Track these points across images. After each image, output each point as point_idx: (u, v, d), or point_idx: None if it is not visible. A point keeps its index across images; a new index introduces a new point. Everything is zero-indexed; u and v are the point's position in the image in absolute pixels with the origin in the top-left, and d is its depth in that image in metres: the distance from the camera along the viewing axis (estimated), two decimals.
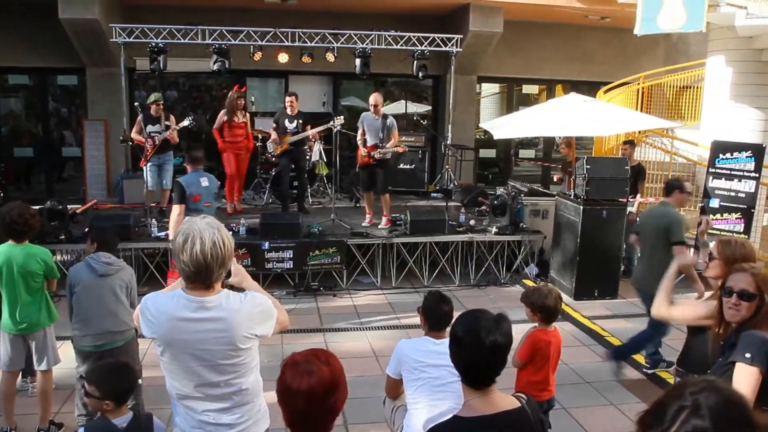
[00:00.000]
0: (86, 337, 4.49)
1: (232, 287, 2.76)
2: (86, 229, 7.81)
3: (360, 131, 9.05)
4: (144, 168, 9.30)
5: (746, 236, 8.29)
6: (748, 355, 2.67)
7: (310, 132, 9.63)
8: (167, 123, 9.34)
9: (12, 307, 4.64)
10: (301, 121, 9.61)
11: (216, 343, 2.52)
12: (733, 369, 2.71)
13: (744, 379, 2.64)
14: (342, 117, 9.67)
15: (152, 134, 9.19)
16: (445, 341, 3.28)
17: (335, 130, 9.27)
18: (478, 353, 2.13)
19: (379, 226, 9.18)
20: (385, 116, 8.90)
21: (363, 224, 9.31)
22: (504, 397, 2.21)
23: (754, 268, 2.89)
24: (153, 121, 9.27)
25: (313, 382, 1.98)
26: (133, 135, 9.39)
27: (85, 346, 4.50)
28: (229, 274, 2.69)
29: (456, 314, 2.56)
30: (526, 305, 4.15)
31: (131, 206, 9.85)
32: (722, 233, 8.21)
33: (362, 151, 8.98)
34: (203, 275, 2.49)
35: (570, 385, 5.88)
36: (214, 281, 2.55)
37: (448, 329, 2.38)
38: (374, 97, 8.90)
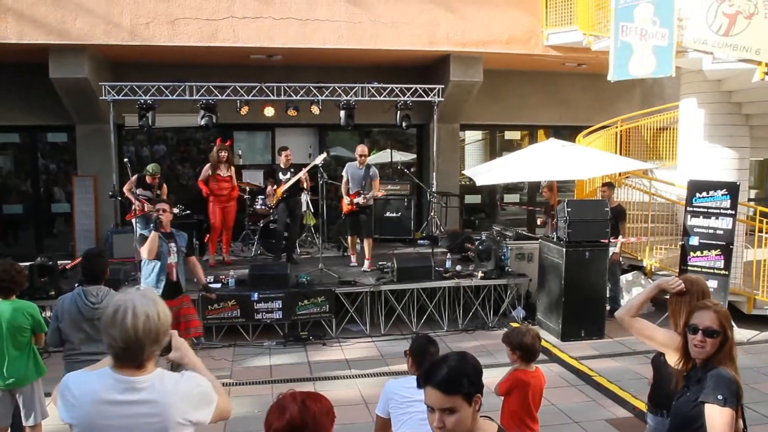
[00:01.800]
0: (77, 364, 4.49)
1: (173, 365, 2.60)
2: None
3: (345, 180, 9.65)
4: (132, 221, 9.44)
5: (726, 272, 8.47)
6: (720, 397, 2.77)
7: (300, 174, 9.85)
8: (158, 192, 9.56)
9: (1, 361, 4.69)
10: (293, 171, 9.91)
11: (146, 429, 2.28)
12: (703, 408, 2.82)
13: (721, 419, 2.75)
14: (324, 154, 10.03)
15: (142, 197, 9.39)
16: None
17: (320, 163, 9.56)
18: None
19: (363, 269, 9.60)
20: (368, 166, 9.63)
21: (350, 264, 9.91)
22: (488, 423, 2.30)
23: (717, 305, 3.02)
24: (146, 186, 9.53)
25: (281, 423, 2.01)
26: (125, 191, 9.57)
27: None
28: (168, 349, 2.47)
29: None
30: (506, 345, 4.25)
31: (121, 260, 9.91)
32: (703, 270, 8.39)
33: (345, 199, 9.60)
34: (133, 352, 2.26)
35: (558, 426, 5.93)
36: (146, 359, 2.31)
37: None
38: (361, 148, 9.71)
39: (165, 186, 9.83)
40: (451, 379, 2.13)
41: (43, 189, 13.08)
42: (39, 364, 4.92)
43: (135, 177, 9.46)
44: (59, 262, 8.79)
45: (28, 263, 8.21)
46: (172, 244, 6.64)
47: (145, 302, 2.29)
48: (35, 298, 7.46)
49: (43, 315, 5.59)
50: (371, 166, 9.76)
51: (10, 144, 12.97)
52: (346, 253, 10.74)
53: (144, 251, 6.49)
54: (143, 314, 2.25)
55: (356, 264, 9.96)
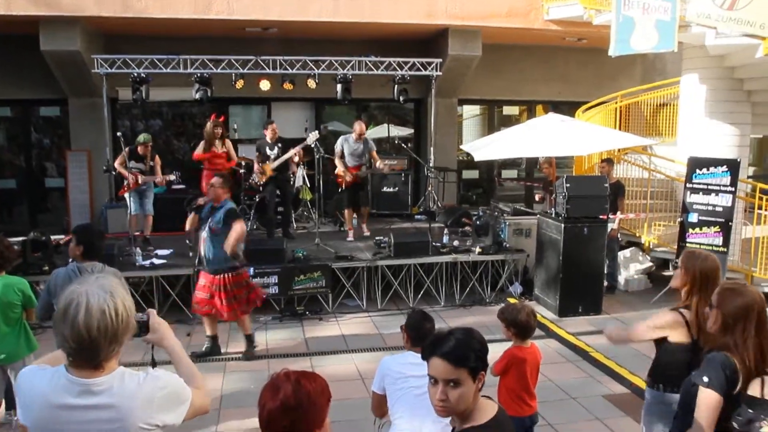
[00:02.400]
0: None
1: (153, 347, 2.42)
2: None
3: (339, 152, 9.72)
4: (125, 196, 9.33)
5: (725, 249, 8.43)
6: (705, 379, 2.77)
7: (291, 152, 9.73)
8: (152, 164, 9.41)
9: None
10: (280, 146, 9.75)
11: None
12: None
13: (702, 401, 2.75)
14: (317, 132, 9.93)
15: (134, 170, 9.24)
16: None
17: (312, 144, 9.48)
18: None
19: (364, 234, 9.88)
20: (365, 140, 9.75)
21: (348, 239, 9.88)
22: (489, 403, 2.26)
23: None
24: (138, 158, 9.35)
25: (274, 403, 1.94)
26: (117, 166, 9.39)
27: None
28: (145, 330, 2.28)
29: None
30: (501, 321, 4.22)
31: (115, 236, 9.83)
32: (701, 247, 8.34)
33: (344, 172, 9.69)
34: (87, 353, 2.01)
35: (555, 402, 5.92)
36: (104, 360, 2.05)
37: None
38: (360, 126, 9.83)
39: (158, 157, 9.67)
40: (459, 351, 2.10)
41: (36, 164, 12.96)
42: (30, 340, 4.86)
43: (127, 149, 9.29)
44: (53, 237, 8.70)
45: (21, 238, 8.15)
46: (208, 222, 6.71)
47: (102, 295, 2.01)
48: (29, 274, 7.43)
49: (39, 290, 5.54)
50: (368, 139, 9.92)
51: (2, 118, 12.83)
52: (342, 228, 10.70)
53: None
54: (98, 311, 1.98)
55: (353, 239, 9.91)
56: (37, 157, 12.99)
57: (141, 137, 9.44)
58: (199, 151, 9.83)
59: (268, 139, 9.84)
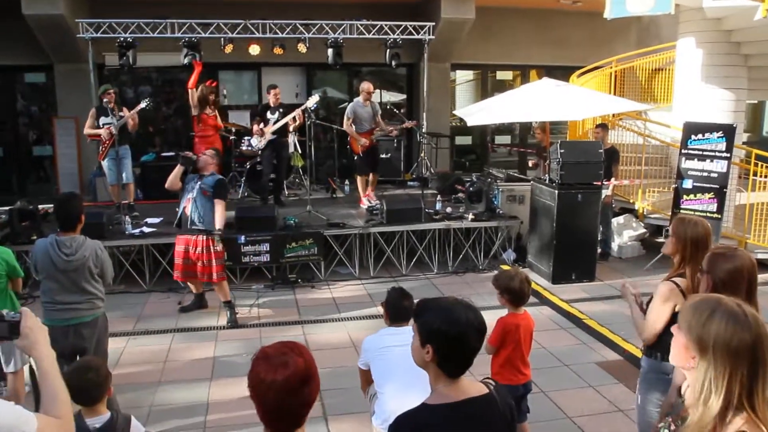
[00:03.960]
0: (53, 312, 4.40)
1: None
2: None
3: (350, 120, 9.50)
4: (102, 163, 9.06)
5: (719, 216, 8.40)
6: None
7: (291, 115, 9.56)
8: (121, 114, 8.86)
9: None
10: (281, 111, 9.59)
11: None
12: None
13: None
14: (317, 96, 9.72)
15: (106, 125, 8.77)
16: (405, 328, 3.52)
17: (311, 107, 9.29)
18: (465, 344, 2.12)
19: (373, 202, 9.66)
20: (371, 103, 9.63)
21: (362, 206, 9.77)
22: (472, 383, 2.20)
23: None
24: (106, 113, 8.81)
25: (288, 374, 1.91)
26: (87, 131, 8.96)
27: (53, 321, 4.32)
28: (16, 333, 1.97)
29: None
30: (495, 288, 4.20)
31: (105, 204, 9.72)
32: (696, 213, 8.30)
33: (360, 138, 9.51)
34: None
35: (548, 369, 5.92)
36: None
37: (411, 322, 2.37)
38: (367, 85, 9.61)
39: (125, 108, 9.09)
40: None
41: (23, 132, 12.75)
42: (16, 310, 4.78)
43: (93, 110, 8.93)
44: (42, 206, 8.58)
45: (8, 207, 8.04)
46: (199, 183, 6.88)
47: None
48: (17, 243, 7.35)
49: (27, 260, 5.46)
50: (374, 102, 9.78)
51: None
52: (334, 195, 10.63)
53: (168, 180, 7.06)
54: None
55: (369, 205, 9.68)
56: (24, 125, 12.78)
57: (102, 87, 8.94)
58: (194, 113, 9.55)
59: (270, 103, 9.66)
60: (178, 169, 7.03)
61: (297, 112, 9.62)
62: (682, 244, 3.36)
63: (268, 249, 8.19)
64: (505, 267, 8.92)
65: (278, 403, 1.93)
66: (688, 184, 8.59)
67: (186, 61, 9.97)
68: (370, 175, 10.00)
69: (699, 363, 1.79)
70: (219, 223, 6.88)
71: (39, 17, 10.27)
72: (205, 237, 6.86)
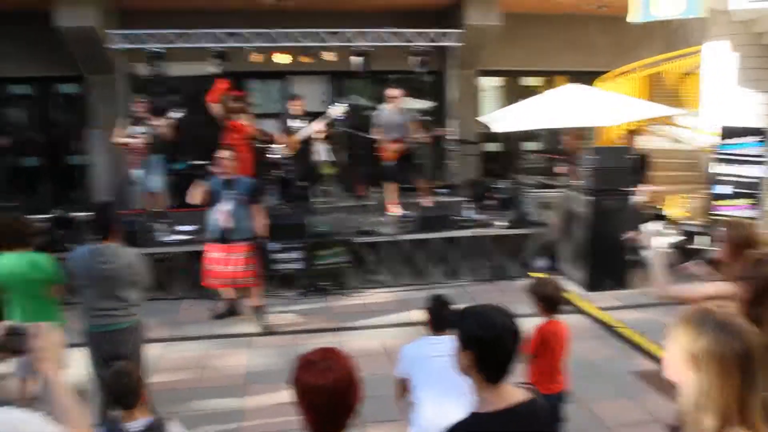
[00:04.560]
0: (92, 318, 4.49)
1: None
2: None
3: (377, 129, 9.49)
4: (135, 172, 9.17)
5: (757, 221, 8.27)
6: None
7: (314, 125, 9.58)
8: (152, 123, 9.01)
9: (19, 314, 4.62)
10: (306, 120, 9.63)
11: None
12: None
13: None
14: (342, 105, 9.72)
15: (137, 134, 8.92)
16: (445, 337, 3.44)
17: (336, 117, 9.33)
18: (502, 348, 2.14)
19: (402, 212, 9.53)
20: (401, 110, 9.50)
21: (393, 213, 9.64)
22: (515, 389, 2.21)
23: None
24: (137, 122, 9.00)
25: (336, 377, 1.97)
26: (117, 139, 9.06)
27: (92, 327, 4.48)
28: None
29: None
30: (530, 295, 4.20)
31: (138, 212, 9.83)
32: (732, 219, 8.19)
33: (389, 146, 9.43)
34: None
35: (583, 377, 5.85)
36: None
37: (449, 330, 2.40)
38: (393, 91, 9.51)
39: (157, 118, 9.16)
40: None
41: (57, 141, 12.94)
42: (56, 315, 4.82)
43: (123, 119, 9.06)
44: (77, 215, 8.71)
45: (45, 216, 8.17)
46: (229, 192, 6.85)
47: None
48: (55, 251, 7.44)
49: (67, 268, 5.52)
50: (405, 109, 9.68)
51: (22, 96, 12.80)
52: (364, 203, 10.66)
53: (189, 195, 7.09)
54: None
55: (398, 214, 9.65)
56: (58, 134, 12.98)
57: (132, 97, 9.13)
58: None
59: (293, 112, 9.68)
60: (197, 185, 7.07)
61: (321, 124, 9.62)
62: (735, 249, 3.32)
63: (299, 256, 8.23)
64: (536, 274, 8.87)
65: (327, 407, 1.97)
66: (723, 189, 8.47)
67: (214, 70, 10.05)
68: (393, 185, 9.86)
69: (691, 377, 1.76)
70: (260, 229, 6.95)
71: (70, 29, 10.45)
72: (242, 243, 6.89)
